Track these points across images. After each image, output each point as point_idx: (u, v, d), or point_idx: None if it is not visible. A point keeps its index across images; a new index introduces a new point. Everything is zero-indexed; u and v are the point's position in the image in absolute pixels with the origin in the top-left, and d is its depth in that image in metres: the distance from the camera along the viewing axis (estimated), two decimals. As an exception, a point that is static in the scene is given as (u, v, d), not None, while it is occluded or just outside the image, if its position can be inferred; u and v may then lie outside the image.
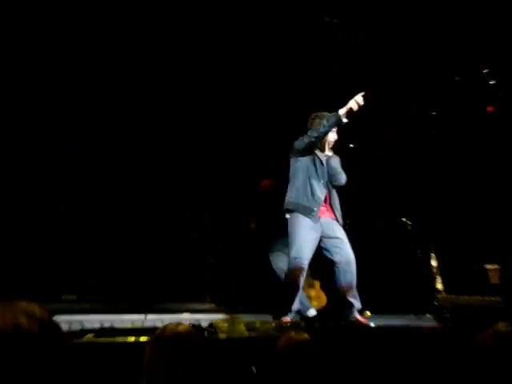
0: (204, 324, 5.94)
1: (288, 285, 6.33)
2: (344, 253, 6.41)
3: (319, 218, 6.44)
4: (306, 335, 2.69)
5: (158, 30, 8.73)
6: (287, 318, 6.23)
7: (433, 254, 8.46)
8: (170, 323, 2.70)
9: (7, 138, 8.01)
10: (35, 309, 1.01)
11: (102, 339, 5.07)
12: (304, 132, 6.63)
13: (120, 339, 5.05)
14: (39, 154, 7.56)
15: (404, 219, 8.55)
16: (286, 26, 8.92)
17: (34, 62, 8.31)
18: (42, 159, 7.69)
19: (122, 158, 8.99)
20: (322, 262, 9.11)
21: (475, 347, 2.06)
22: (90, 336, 5.35)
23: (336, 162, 6.72)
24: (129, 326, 6.26)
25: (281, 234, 7.21)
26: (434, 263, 8.41)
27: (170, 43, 8.91)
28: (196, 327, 5.50)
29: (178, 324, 2.69)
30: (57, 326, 1.00)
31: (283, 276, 6.54)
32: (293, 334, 2.72)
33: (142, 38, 8.69)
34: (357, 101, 6.24)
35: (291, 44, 9.18)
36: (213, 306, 8.53)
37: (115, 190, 8.95)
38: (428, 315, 7.82)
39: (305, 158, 6.59)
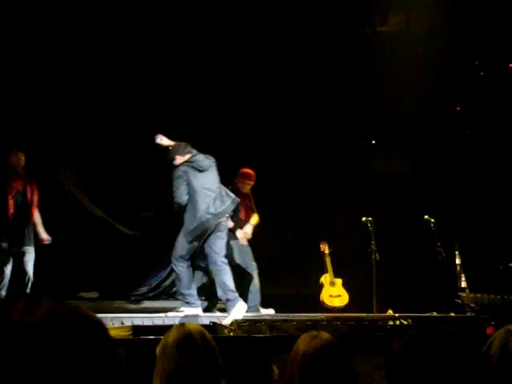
0: (226, 322, 5.92)
1: None
2: None
3: None
4: (327, 334, 2.63)
5: (158, 30, 8.75)
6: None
7: (457, 252, 8.36)
8: (180, 323, 2.69)
9: (7, 138, 8.07)
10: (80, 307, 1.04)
11: (122, 336, 5.07)
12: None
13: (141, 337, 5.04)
14: (40, 154, 7.57)
15: (427, 217, 8.45)
16: (287, 26, 8.91)
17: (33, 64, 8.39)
18: (43, 159, 7.70)
19: (121, 159, 8.98)
20: (344, 262, 9.08)
21: (486, 346, 2.02)
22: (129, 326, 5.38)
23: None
24: (149, 323, 6.25)
25: None
26: (457, 261, 8.30)
27: (169, 43, 8.93)
28: (216, 325, 5.48)
29: (188, 324, 2.67)
30: (101, 322, 1.02)
31: None
32: (314, 333, 2.66)
33: (141, 39, 8.72)
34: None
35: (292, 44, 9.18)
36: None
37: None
38: (452, 313, 7.72)
39: None
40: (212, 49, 9.18)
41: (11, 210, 6.89)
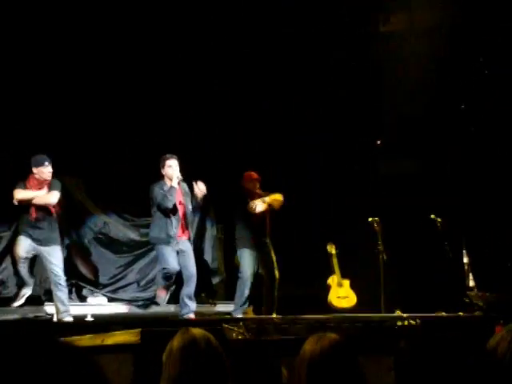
0: (232, 324, 5.90)
1: None
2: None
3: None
4: (334, 335, 2.62)
5: (158, 31, 8.76)
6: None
7: (464, 251, 8.33)
8: (184, 328, 2.69)
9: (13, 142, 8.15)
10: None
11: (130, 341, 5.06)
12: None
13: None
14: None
15: (433, 216, 8.42)
16: (286, 26, 8.90)
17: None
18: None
19: (126, 164, 9.02)
20: (351, 262, 9.07)
21: (491, 346, 2.01)
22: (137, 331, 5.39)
23: None
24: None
25: None
26: (465, 260, 8.28)
27: (170, 44, 8.95)
28: (224, 329, 5.47)
29: (192, 329, 2.66)
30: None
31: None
32: (321, 334, 2.66)
33: (143, 41, 8.75)
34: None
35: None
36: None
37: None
38: (460, 313, 7.69)
39: None
40: (212, 49, 9.19)
41: (33, 214, 7.01)
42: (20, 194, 6.99)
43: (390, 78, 9.66)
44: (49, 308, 7.78)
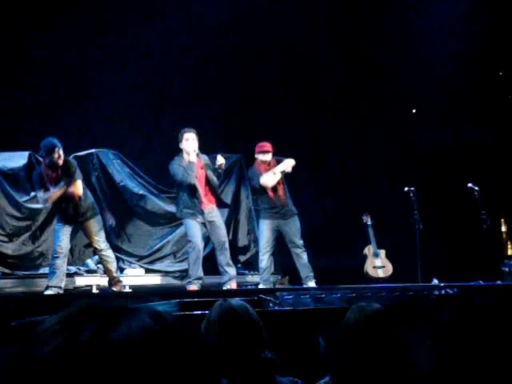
0: (269, 294, 5.93)
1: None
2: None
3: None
4: (377, 305, 2.63)
5: None
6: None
7: (502, 220, 8.24)
8: (222, 299, 2.71)
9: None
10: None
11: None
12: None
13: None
14: None
15: (470, 185, 8.32)
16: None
17: None
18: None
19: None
20: (387, 232, 9.03)
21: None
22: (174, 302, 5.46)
23: None
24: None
25: None
26: (503, 229, 8.19)
27: None
28: (261, 300, 5.50)
29: (230, 299, 2.68)
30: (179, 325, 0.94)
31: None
32: (364, 303, 2.67)
33: None
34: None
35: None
36: (277, 276, 8.53)
37: None
38: (498, 282, 7.64)
39: None
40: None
41: (62, 205, 7.06)
42: (49, 201, 7.02)
43: (427, 44, 9.51)
44: (87, 279, 7.90)
